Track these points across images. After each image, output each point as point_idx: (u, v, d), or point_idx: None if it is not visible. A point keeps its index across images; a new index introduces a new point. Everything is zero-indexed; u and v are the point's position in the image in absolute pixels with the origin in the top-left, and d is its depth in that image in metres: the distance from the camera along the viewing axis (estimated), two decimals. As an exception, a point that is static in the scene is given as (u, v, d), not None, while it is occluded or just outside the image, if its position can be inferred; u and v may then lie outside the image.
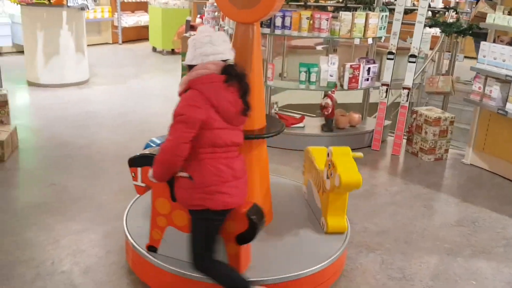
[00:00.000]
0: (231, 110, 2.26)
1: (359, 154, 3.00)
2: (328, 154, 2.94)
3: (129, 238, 2.77)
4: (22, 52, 7.95)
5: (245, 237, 2.38)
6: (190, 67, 2.32)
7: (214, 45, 2.28)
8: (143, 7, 12.02)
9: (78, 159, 4.49)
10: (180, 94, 2.32)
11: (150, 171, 2.39)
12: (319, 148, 3.32)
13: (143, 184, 2.64)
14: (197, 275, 2.44)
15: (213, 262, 2.36)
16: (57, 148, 4.72)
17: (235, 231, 2.38)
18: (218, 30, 6.39)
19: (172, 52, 10.36)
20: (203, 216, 2.29)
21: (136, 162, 2.62)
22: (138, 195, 2.96)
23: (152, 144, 3.12)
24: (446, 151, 5.01)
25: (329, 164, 2.90)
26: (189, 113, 2.18)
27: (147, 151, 2.68)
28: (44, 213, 3.45)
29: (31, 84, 7.02)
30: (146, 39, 11.65)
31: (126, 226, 2.89)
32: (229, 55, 2.35)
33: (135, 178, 2.66)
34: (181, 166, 2.27)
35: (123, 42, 11.35)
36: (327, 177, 2.91)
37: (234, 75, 2.28)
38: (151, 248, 2.65)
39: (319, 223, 3.04)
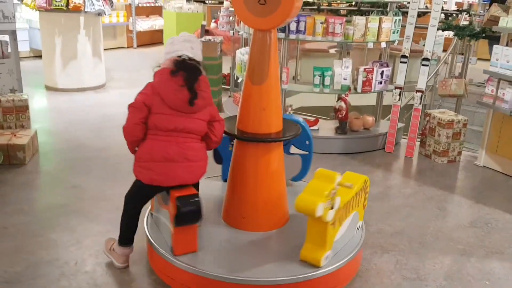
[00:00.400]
0: (174, 97, 2.59)
1: (349, 185, 2.63)
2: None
3: (150, 239, 2.86)
4: (39, 56, 8.14)
5: (175, 221, 2.61)
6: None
7: (173, 45, 2.71)
8: (158, 11, 12.20)
9: (97, 161, 4.60)
10: None
11: None
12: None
13: None
14: (221, 275, 2.52)
15: (130, 210, 2.81)
16: (76, 150, 4.85)
17: (172, 213, 2.60)
18: (233, 34, 6.48)
19: (186, 55, 10.48)
20: (137, 184, 2.74)
21: None
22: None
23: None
24: (459, 153, 5.04)
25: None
26: (139, 99, 2.64)
27: None
28: (66, 215, 3.56)
29: (49, 88, 7.18)
30: (160, 43, 11.82)
31: (146, 227, 2.99)
32: (186, 52, 2.67)
33: None
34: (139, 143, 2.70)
35: (138, 46, 11.52)
36: None
37: (181, 67, 2.60)
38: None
39: None
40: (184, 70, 2.61)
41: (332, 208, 2.51)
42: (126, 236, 2.86)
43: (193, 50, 2.72)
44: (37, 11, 7.01)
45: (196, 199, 2.64)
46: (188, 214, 2.60)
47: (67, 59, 7.03)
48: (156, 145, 2.64)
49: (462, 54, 5.93)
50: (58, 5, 6.63)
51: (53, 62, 7.03)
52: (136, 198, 2.81)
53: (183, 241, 2.69)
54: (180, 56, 2.66)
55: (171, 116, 2.62)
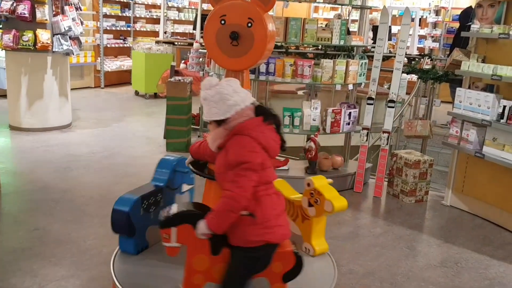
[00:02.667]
0: (276, 147, 2.40)
1: (330, 180, 3.30)
2: (308, 183, 3.19)
3: (117, 283, 2.75)
4: (3, 96, 7.96)
5: (292, 274, 2.51)
6: (219, 121, 2.35)
7: (239, 93, 2.35)
8: (126, 52, 12.23)
9: (62, 203, 4.45)
10: (221, 147, 2.39)
11: (202, 227, 2.30)
12: (278, 181, 3.24)
13: (177, 245, 2.45)
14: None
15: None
16: (41, 192, 4.68)
17: (282, 271, 2.48)
18: (203, 75, 6.54)
19: (155, 96, 10.48)
20: (257, 253, 2.34)
21: (171, 222, 2.41)
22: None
23: (167, 160, 3.26)
24: (426, 193, 5.13)
25: (311, 193, 3.13)
26: (254, 159, 2.26)
27: (175, 209, 2.45)
28: (28, 258, 3.39)
29: (13, 128, 6.99)
30: (128, 83, 11.79)
31: (113, 271, 2.87)
32: (251, 97, 2.42)
33: (167, 239, 2.44)
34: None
35: (105, 85, 11.45)
36: (310, 205, 3.17)
37: (268, 114, 2.39)
38: None
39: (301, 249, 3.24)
40: (271, 116, 2.40)
41: None
42: None
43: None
44: (3, 50, 6.90)
45: (298, 253, 2.55)
46: (298, 269, 2.52)
47: (33, 99, 6.89)
48: (275, 199, 2.38)
49: (425, 96, 6.13)
50: (26, 45, 6.56)
51: (18, 102, 6.88)
52: (249, 277, 2.40)
53: None
54: (252, 103, 2.39)
55: (272, 167, 2.41)
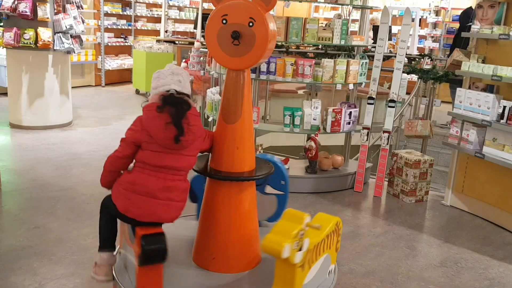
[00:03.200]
0: (161, 135, 2.50)
1: (317, 226, 2.55)
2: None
3: (118, 281, 2.75)
4: (3, 93, 7.97)
5: (139, 259, 2.49)
6: None
7: (159, 79, 2.66)
8: (127, 50, 12.25)
9: (63, 201, 4.46)
10: None
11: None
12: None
13: None
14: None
15: (108, 215, 2.68)
16: (41, 190, 4.69)
17: (137, 251, 2.50)
18: (204, 74, 6.54)
19: (155, 94, 10.47)
20: (110, 204, 2.61)
21: None
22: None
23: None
24: (427, 193, 5.14)
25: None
26: (128, 135, 2.58)
27: None
28: (29, 257, 3.40)
29: (13, 126, 7.00)
30: (129, 81, 11.81)
31: (114, 269, 2.87)
32: (174, 86, 2.64)
33: None
34: (118, 175, 2.64)
35: (106, 84, 11.46)
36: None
37: (168, 102, 2.54)
38: None
39: None
40: (171, 105, 2.53)
41: (300, 249, 2.41)
42: (106, 239, 2.72)
43: (181, 83, 2.68)
44: (4, 48, 6.91)
45: (162, 238, 2.53)
46: (152, 253, 2.48)
47: (33, 97, 6.90)
48: (141, 178, 2.54)
49: (425, 96, 6.13)
50: (27, 43, 6.57)
51: (19, 100, 6.89)
52: (110, 212, 2.69)
53: (147, 282, 2.57)
54: (168, 91, 2.61)
55: (161, 153, 2.53)
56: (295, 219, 2.47)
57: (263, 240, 2.43)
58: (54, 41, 6.74)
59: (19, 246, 3.56)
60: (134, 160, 2.62)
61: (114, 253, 2.77)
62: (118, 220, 2.72)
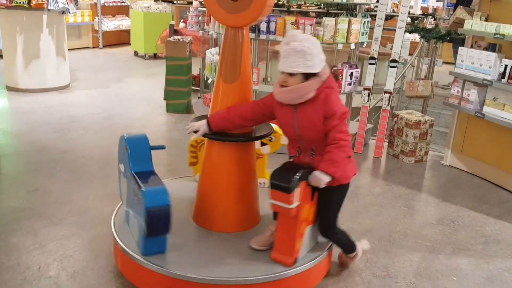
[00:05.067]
0: None
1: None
2: None
3: (118, 241, 2.78)
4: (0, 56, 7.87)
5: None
6: (309, 74, 2.45)
7: (322, 49, 2.49)
8: (124, 11, 12.00)
9: (62, 163, 4.46)
10: (315, 98, 2.47)
11: (323, 177, 2.46)
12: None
13: (298, 202, 2.51)
14: (190, 276, 2.47)
15: (338, 229, 2.79)
16: (40, 153, 4.69)
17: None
18: (203, 35, 6.43)
19: (154, 56, 10.36)
20: (346, 187, 2.66)
21: (295, 184, 2.45)
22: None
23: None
24: (426, 153, 5.14)
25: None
26: (347, 109, 2.52)
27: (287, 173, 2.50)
28: (29, 218, 3.43)
29: (10, 89, 6.94)
30: (127, 43, 11.63)
31: (114, 229, 2.90)
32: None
33: (291, 201, 2.45)
34: None
35: (104, 46, 11.30)
36: (263, 144, 3.40)
37: (336, 73, 2.69)
38: (298, 260, 2.66)
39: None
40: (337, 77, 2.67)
41: None
42: (350, 244, 2.92)
43: None
44: (-3, 9, 6.76)
45: None
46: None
47: (29, 59, 6.81)
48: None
49: (428, 57, 6.04)
50: (20, 2, 6.42)
51: (15, 62, 6.80)
52: (338, 213, 2.76)
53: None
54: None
55: None
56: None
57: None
58: (48, 1, 6.59)
59: (19, 208, 3.58)
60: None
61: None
62: None
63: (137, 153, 2.75)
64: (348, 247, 2.90)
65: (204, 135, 2.83)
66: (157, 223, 2.49)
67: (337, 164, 2.46)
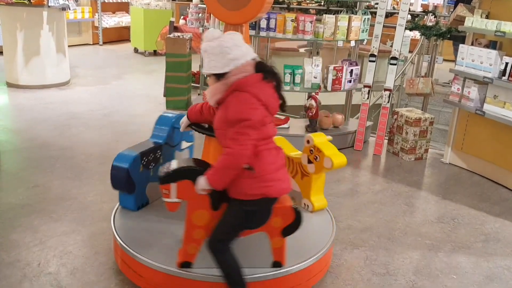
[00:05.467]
0: (275, 104, 2.33)
1: (330, 137, 3.30)
2: (308, 141, 3.21)
3: (118, 238, 2.78)
4: (0, 52, 7.85)
5: (291, 229, 2.53)
6: (218, 75, 2.27)
7: (240, 47, 2.26)
8: (124, 7, 11.98)
9: (62, 160, 4.46)
10: (220, 103, 2.30)
11: (202, 183, 2.29)
12: (278, 138, 3.24)
13: (177, 200, 2.45)
14: (188, 273, 2.47)
15: (229, 250, 2.39)
16: (40, 149, 4.68)
17: (281, 225, 2.50)
18: (203, 31, 6.42)
19: (154, 53, 10.34)
20: (253, 206, 2.32)
21: (171, 178, 2.39)
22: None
23: (166, 117, 3.26)
24: (426, 151, 5.14)
25: (311, 150, 3.16)
26: (254, 116, 2.21)
27: (175, 165, 2.44)
28: (29, 215, 3.43)
29: (10, 85, 6.93)
30: (127, 40, 11.61)
31: (114, 226, 2.90)
32: (253, 53, 2.33)
33: (167, 195, 2.42)
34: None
35: (104, 43, 11.28)
36: (309, 162, 3.20)
37: (268, 71, 2.31)
38: (186, 264, 2.53)
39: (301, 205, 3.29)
40: (271, 73, 2.32)
41: None
42: (238, 278, 2.41)
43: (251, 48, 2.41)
44: (-2, 5, 6.75)
45: (297, 208, 2.54)
46: (297, 224, 2.52)
47: (29, 55, 6.79)
48: (274, 153, 2.34)
49: (428, 54, 6.03)
50: (20, -1, 6.41)
51: (15, 58, 6.79)
52: (239, 229, 2.40)
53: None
54: (254, 59, 2.31)
55: (271, 123, 2.36)
56: (323, 140, 3.23)
57: (334, 159, 3.07)
58: (48, -2, 6.58)
59: (19, 204, 3.58)
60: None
61: None
62: None
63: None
64: (234, 281, 2.42)
65: (200, 130, 2.80)
66: (116, 180, 3.00)
67: (216, 171, 2.26)
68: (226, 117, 2.24)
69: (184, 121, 2.80)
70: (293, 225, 2.53)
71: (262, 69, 2.30)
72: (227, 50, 2.22)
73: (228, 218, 2.38)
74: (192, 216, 2.46)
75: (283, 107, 2.38)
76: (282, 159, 2.41)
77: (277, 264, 2.60)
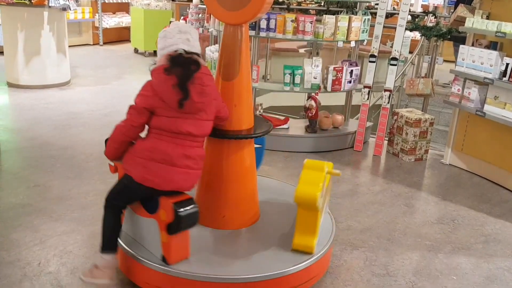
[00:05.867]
0: (173, 98, 2.36)
1: (338, 172, 2.86)
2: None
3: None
4: (0, 53, 7.86)
5: (172, 228, 2.44)
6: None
7: (166, 38, 2.47)
8: (125, 8, 11.99)
9: (62, 160, 4.46)
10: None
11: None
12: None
13: (112, 163, 2.78)
14: (188, 273, 2.47)
15: (113, 210, 2.54)
16: (40, 149, 4.69)
17: (165, 220, 2.45)
18: (203, 32, 6.42)
19: (154, 53, 10.33)
20: (126, 180, 2.50)
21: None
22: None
23: None
24: (426, 151, 5.14)
25: None
26: (139, 102, 2.42)
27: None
28: (29, 214, 3.43)
29: (11, 85, 6.93)
30: (128, 40, 11.62)
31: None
32: (182, 45, 2.45)
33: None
34: (127, 146, 2.52)
35: (104, 43, 11.29)
36: None
37: (176, 63, 2.38)
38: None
39: None
40: (179, 66, 2.37)
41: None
42: (111, 240, 2.54)
43: (190, 42, 2.48)
44: (-2, 5, 6.76)
45: (193, 202, 2.48)
46: (188, 218, 2.43)
47: (30, 55, 6.80)
48: (160, 145, 2.41)
49: (428, 55, 6.03)
50: (21, -1, 6.42)
51: (15, 58, 6.79)
52: (121, 196, 2.53)
53: (182, 248, 2.55)
54: (176, 51, 2.42)
55: (177, 119, 2.40)
56: (317, 168, 2.72)
57: (296, 192, 2.57)
58: (49, -2, 6.59)
59: (19, 204, 3.59)
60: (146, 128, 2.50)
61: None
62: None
63: None
64: (110, 239, 2.53)
65: None
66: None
67: (108, 141, 2.58)
68: None
69: None
70: (173, 225, 2.42)
71: (174, 62, 2.38)
72: (158, 41, 2.52)
73: (117, 182, 2.61)
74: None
75: (180, 102, 2.36)
76: (172, 157, 2.40)
77: (164, 259, 2.52)
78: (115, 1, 11.53)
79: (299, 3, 7.88)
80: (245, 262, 2.64)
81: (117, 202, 2.54)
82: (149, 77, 2.45)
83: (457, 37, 5.68)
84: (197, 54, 2.48)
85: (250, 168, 2.99)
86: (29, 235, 3.16)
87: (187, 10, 7.09)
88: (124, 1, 11.79)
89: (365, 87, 5.21)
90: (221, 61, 2.85)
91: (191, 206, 2.45)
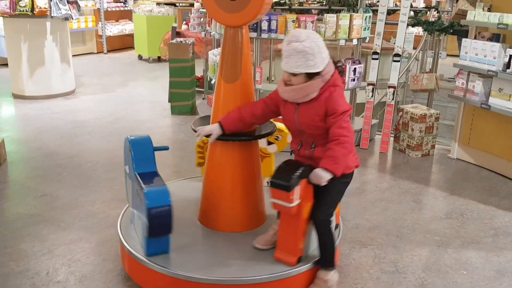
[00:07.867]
0: None
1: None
2: None
3: (125, 244, 2.78)
4: (5, 64, 7.93)
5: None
6: (312, 74, 2.43)
7: (324, 47, 2.46)
8: (127, 15, 12.06)
9: (69, 168, 4.48)
10: (317, 97, 2.48)
11: (324, 175, 2.41)
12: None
13: (299, 201, 2.49)
14: (196, 276, 2.47)
15: (330, 224, 2.63)
16: (47, 158, 4.71)
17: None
18: (205, 36, 6.43)
19: (159, 59, 10.39)
20: (350, 177, 2.64)
21: (296, 182, 2.43)
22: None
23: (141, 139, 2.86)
24: (433, 147, 5.10)
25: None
26: (350, 107, 2.51)
27: (285, 170, 2.49)
28: (37, 224, 3.45)
29: (16, 96, 6.99)
30: (131, 47, 11.67)
31: (121, 233, 2.90)
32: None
33: (291, 199, 2.42)
34: None
35: (108, 51, 11.35)
36: (269, 143, 3.34)
37: (341, 69, 2.59)
38: (300, 259, 2.62)
39: None
40: (339, 68, 2.60)
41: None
42: (334, 255, 2.65)
43: None
44: (1, 17, 6.81)
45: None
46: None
47: (34, 66, 6.85)
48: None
49: (432, 50, 6.00)
50: (23, 10, 6.46)
51: (20, 70, 6.85)
52: (336, 204, 2.69)
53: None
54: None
55: None
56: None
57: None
58: (50, 8, 6.63)
59: (27, 213, 3.60)
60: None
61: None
62: None
63: (140, 154, 2.76)
64: (331, 257, 2.62)
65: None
66: (158, 224, 2.51)
67: (338, 160, 2.42)
68: (326, 111, 2.45)
69: (215, 133, 2.75)
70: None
71: (338, 67, 2.56)
72: (323, 49, 2.42)
73: (334, 194, 2.60)
74: (304, 211, 2.54)
75: None
76: None
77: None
78: (117, 9, 11.60)
79: (300, 3, 7.87)
80: (248, 264, 2.63)
81: (332, 213, 2.64)
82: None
83: (460, 31, 5.64)
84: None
85: (253, 171, 2.98)
86: (37, 245, 3.17)
87: (189, 14, 7.12)
88: (126, 9, 11.86)
89: (369, 84, 5.19)
90: (222, 63, 2.85)
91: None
